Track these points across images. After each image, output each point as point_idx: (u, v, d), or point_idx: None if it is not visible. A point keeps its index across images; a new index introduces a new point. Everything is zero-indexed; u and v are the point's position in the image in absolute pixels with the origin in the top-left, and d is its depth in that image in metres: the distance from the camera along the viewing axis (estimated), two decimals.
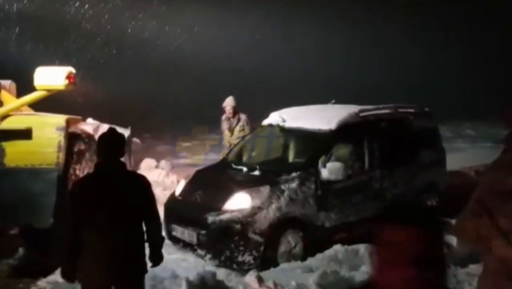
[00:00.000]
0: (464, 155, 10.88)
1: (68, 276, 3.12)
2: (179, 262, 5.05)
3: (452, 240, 5.50)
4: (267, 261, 5.15)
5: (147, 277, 4.51)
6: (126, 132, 5.38)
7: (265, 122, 6.78)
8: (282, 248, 5.30)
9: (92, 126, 5.81)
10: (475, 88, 19.63)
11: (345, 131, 6.04)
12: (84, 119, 6.12)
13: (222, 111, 7.74)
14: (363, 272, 4.67)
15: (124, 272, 3.08)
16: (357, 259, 5.09)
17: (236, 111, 7.63)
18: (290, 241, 5.39)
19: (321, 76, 20.95)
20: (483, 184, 2.36)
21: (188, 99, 18.06)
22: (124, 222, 3.06)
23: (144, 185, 3.19)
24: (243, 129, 7.55)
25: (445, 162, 7.09)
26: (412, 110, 6.95)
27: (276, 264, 5.13)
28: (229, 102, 7.63)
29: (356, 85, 18.65)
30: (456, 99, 17.75)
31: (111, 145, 3.12)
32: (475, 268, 4.61)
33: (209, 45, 21.11)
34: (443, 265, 2.08)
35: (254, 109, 8.13)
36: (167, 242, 5.66)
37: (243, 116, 7.64)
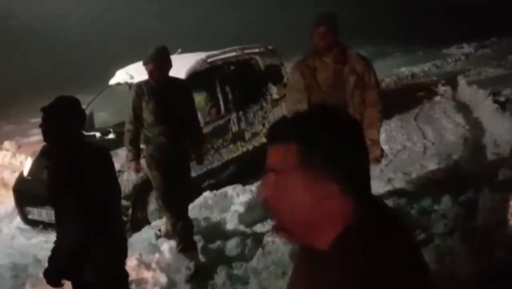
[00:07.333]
0: None
1: None
2: (42, 244, 4.68)
3: None
4: (138, 222, 5.05)
5: (7, 268, 4.15)
6: None
7: (112, 81, 6.40)
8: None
9: None
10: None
11: (196, 79, 5.98)
12: None
13: None
14: (233, 212, 4.84)
15: None
16: (226, 201, 5.26)
17: None
18: None
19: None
20: None
21: (32, 71, 16.13)
22: None
23: None
24: None
25: None
26: (257, 50, 7.13)
27: (148, 223, 5.07)
28: None
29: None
30: (296, 37, 18.58)
31: None
32: None
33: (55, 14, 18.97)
34: None
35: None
36: (24, 227, 5.22)
37: None
